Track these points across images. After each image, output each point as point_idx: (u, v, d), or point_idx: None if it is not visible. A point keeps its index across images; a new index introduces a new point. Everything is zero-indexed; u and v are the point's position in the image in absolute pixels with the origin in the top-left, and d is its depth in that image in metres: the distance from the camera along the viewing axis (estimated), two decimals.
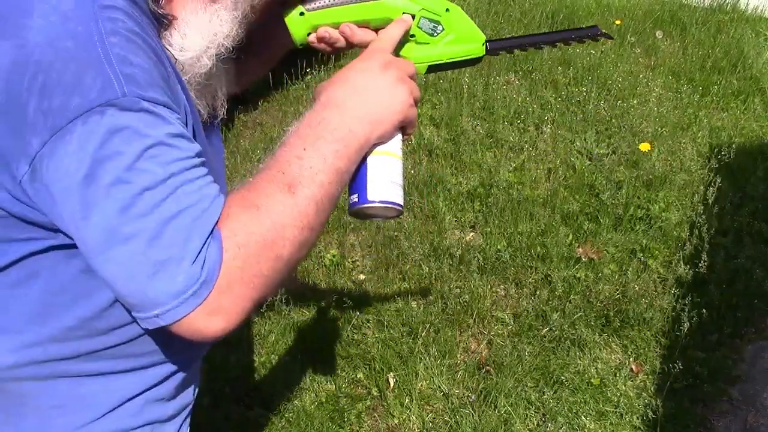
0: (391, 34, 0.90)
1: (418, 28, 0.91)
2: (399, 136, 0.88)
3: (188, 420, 1.05)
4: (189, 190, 0.71)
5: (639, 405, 2.22)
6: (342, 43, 0.92)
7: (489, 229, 2.86)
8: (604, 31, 1.01)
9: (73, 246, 0.74)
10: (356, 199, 0.85)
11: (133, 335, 0.86)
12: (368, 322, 2.43)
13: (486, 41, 0.95)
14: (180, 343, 0.77)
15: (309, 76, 3.91)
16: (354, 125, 0.80)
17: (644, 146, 3.32)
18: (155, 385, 0.92)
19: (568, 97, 3.82)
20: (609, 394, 2.25)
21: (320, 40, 0.92)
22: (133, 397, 0.91)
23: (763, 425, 2.18)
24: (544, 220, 2.90)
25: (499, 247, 2.77)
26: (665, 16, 4.84)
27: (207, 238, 0.70)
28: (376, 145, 0.85)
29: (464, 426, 2.11)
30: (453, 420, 2.13)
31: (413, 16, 0.90)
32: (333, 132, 0.79)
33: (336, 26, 0.90)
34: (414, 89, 0.87)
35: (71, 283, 0.80)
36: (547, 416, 2.17)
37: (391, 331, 2.39)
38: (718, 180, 3.06)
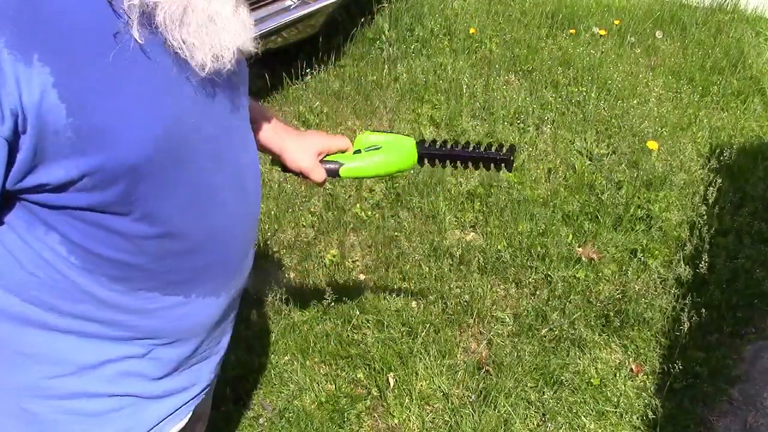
0: None
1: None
2: None
3: (184, 410, 1.04)
4: None
5: (639, 405, 2.22)
6: None
7: (489, 229, 2.86)
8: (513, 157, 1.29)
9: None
10: None
11: (100, 303, 0.86)
12: (368, 322, 2.43)
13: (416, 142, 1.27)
14: (160, 323, 0.78)
15: (309, 77, 3.91)
16: None
17: (652, 144, 3.32)
18: (131, 358, 0.93)
19: (568, 97, 3.82)
20: (609, 394, 2.24)
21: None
22: (107, 363, 0.91)
23: (763, 425, 2.17)
24: (544, 220, 2.90)
25: (499, 247, 2.77)
26: (665, 16, 4.84)
27: None
28: None
29: (464, 426, 2.11)
30: (453, 420, 2.13)
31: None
32: None
33: None
34: None
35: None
36: (547, 416, 2.16)
37: (391, 331, 2.39)
38: (718, 180, 3.06)
